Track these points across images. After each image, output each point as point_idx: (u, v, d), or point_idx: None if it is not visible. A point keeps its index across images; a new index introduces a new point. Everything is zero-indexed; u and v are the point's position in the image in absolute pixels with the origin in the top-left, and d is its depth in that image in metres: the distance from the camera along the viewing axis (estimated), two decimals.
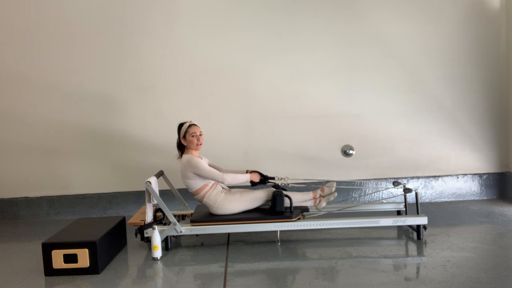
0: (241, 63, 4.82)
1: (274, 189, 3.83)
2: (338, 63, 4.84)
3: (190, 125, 3.83)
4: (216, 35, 4.79)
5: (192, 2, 4.77)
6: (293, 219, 3.69)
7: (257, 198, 3.83)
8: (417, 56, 4.84)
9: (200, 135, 3.82)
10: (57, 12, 4.74)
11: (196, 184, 3.75)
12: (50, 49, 4.78)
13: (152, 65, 4.81)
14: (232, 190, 3.90)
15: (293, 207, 3.79)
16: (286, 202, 3.75)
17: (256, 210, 3.87)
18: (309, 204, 3.92)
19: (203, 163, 3.73)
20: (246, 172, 3.91)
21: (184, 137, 3.82)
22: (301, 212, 3.83)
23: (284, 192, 3.77)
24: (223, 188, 3.87)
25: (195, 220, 3.73)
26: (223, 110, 4.86)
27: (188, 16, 4.78)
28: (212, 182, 3.80)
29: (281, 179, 3.96)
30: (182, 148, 3.89)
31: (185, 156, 3.78)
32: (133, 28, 4.77)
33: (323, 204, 3.87)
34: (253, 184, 3.90)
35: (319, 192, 3.93)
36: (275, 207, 3.72)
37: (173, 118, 4.83)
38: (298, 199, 3.86)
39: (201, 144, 3.83)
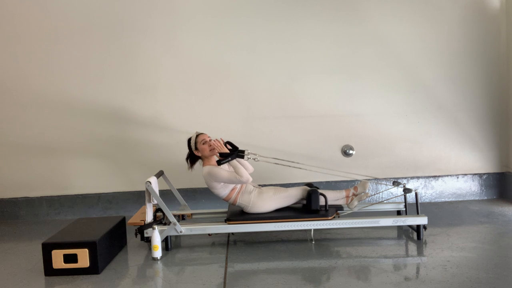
0: (241, 63, 4.81)
1: (308, 188, 3.83)
2: (338, 63, 4.84)
3: (197, 135, 3.86)
4: (216, 35, 4.79)
5: (192, 2, 4.77)
6: (329, 218, 3.69)
7: (291, 196, 3.84)
8: (417, 56, 4.84)
9: (210, 140, 3.83)
10: (58, 12, 4.74)
11: (224, 191, 3.77)
12: (49, 49, 4.78)
13: (152, 65, 4.81)
14: (264, 188, 3.89)
15: (328, 205, 3.79)
16: (321, 201, 3.76)
17: (290, 208, 3.88)
18: (341, 202, 3.94)
19: (222, 169, 3.72)
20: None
21: (196, 148, 3.82)
22: (336, 210, 3.84)
23: (319, 191, 3.77)
24: (254, 186, 3.88)
25: (230, 219, 3.72)
26: (223, 110, 4.86)
27: (188, 16, 4.77)
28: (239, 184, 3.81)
29: (251, 154, 3.88)
30: (193, 160, 3.90)
31: (205, 168, 3.78)
32: (133, 28, 4.77)
33: (355, 203, 3.89)
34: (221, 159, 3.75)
35: (352, 190, 3.95)
36: (310, 205, 3.72)
37: (173, 118, 4.84)
38: (331, 197, 3.87)
39: (213, 149, 3.80)
